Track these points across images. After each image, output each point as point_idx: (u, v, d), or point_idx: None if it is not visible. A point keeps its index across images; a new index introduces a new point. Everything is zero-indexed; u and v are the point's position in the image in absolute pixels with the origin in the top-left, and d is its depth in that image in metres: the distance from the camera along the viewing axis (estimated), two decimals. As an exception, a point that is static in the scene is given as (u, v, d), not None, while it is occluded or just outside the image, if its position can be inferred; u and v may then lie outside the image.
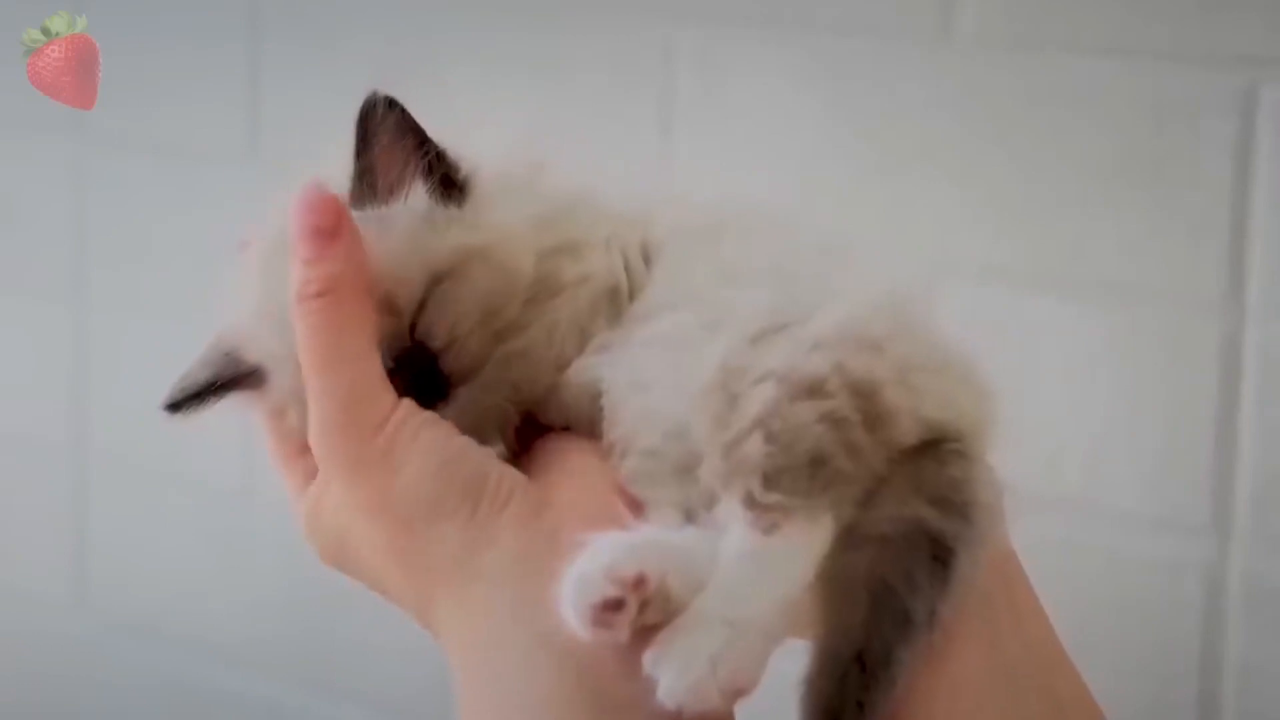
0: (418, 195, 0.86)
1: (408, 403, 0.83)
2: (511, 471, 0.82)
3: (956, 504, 0.77)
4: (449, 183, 0.87)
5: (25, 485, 1.91)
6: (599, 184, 0.92)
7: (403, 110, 0.86)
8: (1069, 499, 1.38)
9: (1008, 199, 1.38)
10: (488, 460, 0.82)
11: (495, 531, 0.80)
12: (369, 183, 0.86)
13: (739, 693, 0.73)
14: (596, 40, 1.52)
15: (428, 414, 0.83)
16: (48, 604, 1.92)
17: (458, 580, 0.80)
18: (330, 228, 0.82)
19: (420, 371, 0.85)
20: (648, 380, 0.82)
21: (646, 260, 0.89)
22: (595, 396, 0.84)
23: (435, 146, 0.87)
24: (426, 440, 0.81)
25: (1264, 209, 1.30)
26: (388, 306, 0.85)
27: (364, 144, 0.86)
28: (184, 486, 1.75)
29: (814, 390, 0.77)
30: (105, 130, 1.75)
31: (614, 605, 0.73)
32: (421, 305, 0.85)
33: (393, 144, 0.86)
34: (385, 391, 0.82)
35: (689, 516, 0.79)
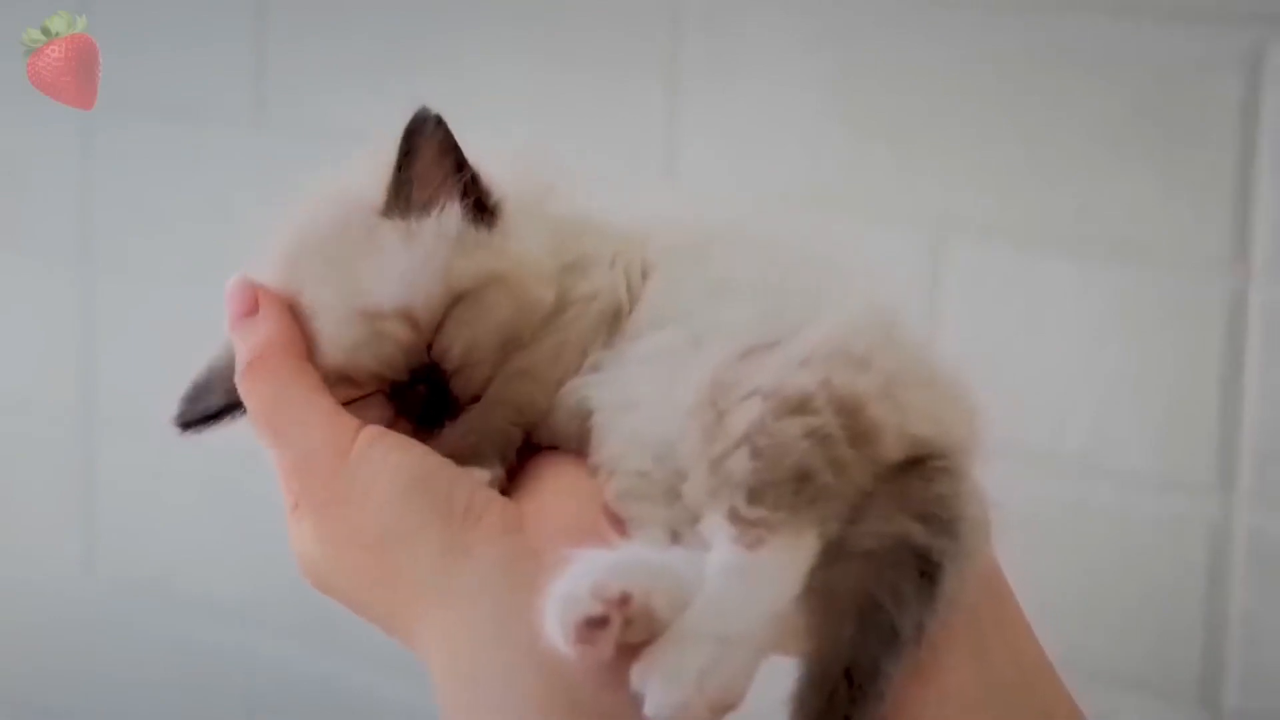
0: (450, 214, 0.88)
1: (371, 429, 0.84)
2: (487, 491, 0.83)
3: (943, 520, 0.77)
4: (481, 207, 0.89)
5: (34, 448, 1.93)
6: (606, 202, 0.93)
7: (448, 130, 0.87)
8: (1075, 459, 1.38)
9: (1014, 160, 1.38)
10: (460, 480, 0.83)
11: (470, 550, 0.80)
12: (405, 195, 0.87)
13: (726, 708, 0.74)
14: (603, 3, 1.51)
15: (397, 437, 0.84)
16: (57, 565, 1.94)
17: (435, 601, 0.80)
18: (249, 308, 0.87)
19: (431, 390, 0.87)
20: (636, 400, 0.83)
21: (645, 279, 0.89)
22: (585, 417, 0.85)
23: (472, 170, 0.88)
24: (395, 462, 0.83)
25: (1270, 169, 1.30)
26: (408, 321, 0.86)
27: (407, 158, 0.87)
28: (191, 448, 1.76)
29: (800, 407, 0.78)
30: (111, 95, 1.75)
31: (598, 623, 0.73)
32: (440, 325, 0.87)
33: (434, 162, 0.87)
34: (342, 422, 0.84)
35: (675, 537, 0.80)
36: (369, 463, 0.83)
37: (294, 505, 0.87)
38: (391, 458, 0.83)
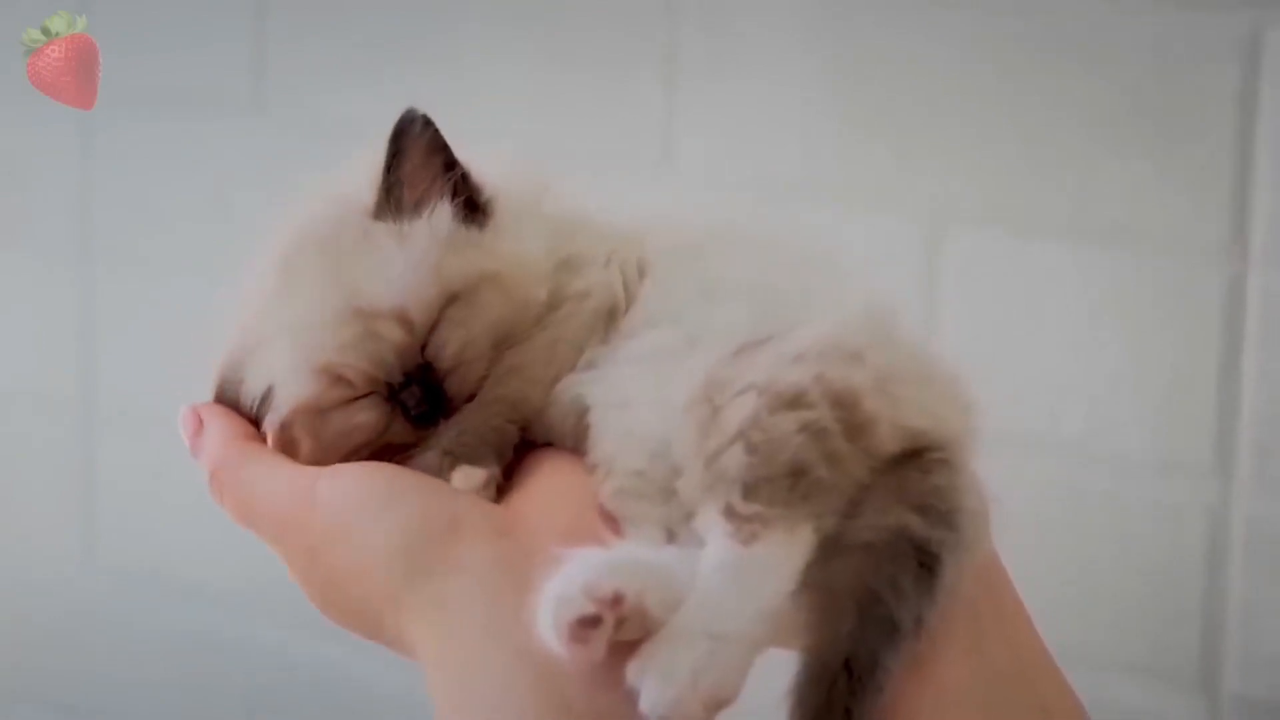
0: (441, 214, 0.88)
1: (331, 469, 0.85)
2: (469, 498, 0.83)
3: (941, 511, 0.77)
4: (472, 205, 0.89)
5: (35, 440, 1.93)
6: (602, 204, 0.93)
7: (436, 131, 0.88)
8: (1073, 444, 1.39)
9: (1011, 149, 1.38)
10: (437, 493, 0.83)
11: (459, 558, 0.81)
12: (396, 197, 0.88)
13: (721, 704, 0.74)
14: (602, 1, 1.52)
15: (360, 467, 0.85)
16: (58, 560, 1.93)
17: (429, 609, 0.81)
18: (196, 429, 0.91)
19: (426, 390, 0.87)
20: (631, 398, 0.83)
21: (641, 278, 0.90)
22: (580, 414, 0.86)
23: (462, 169, 0.89)
24: (362, 492, 0.83)
25: (1267, 154, 1.30)
26: (403, 322, 0.87)
27: (396, 159, 0.88)
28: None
29: (794, 401, 0.78)
30: (112, 92, 1.75)
31: (591, 622, 0.73)
32: (434, 325, 0.87)
33: (423, 163, 0.88)
34: (302, 475, 0.86)
35: (670, 535, 0.80)
36: (332, 503, 0.84)
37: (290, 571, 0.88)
38: (357, 490, 0.84)
